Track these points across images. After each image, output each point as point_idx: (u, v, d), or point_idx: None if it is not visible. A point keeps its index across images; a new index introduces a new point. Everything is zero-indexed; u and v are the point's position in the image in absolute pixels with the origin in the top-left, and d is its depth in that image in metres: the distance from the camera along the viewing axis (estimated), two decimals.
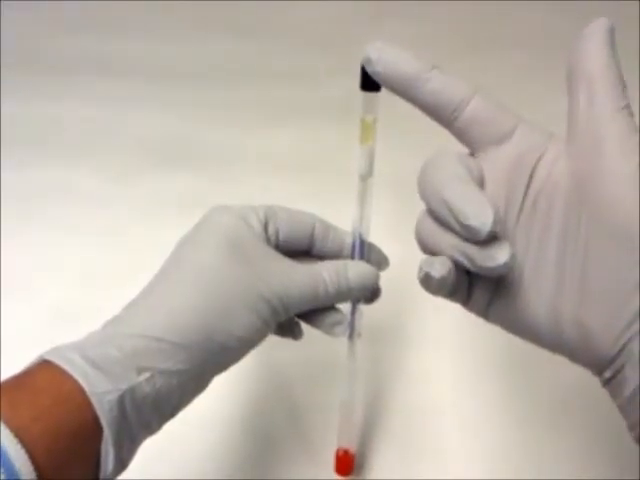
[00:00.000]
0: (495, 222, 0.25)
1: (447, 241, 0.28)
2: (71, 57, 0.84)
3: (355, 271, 0.35)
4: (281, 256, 0.34)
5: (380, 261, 0.37)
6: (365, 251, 0.36)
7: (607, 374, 0.27)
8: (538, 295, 0.28)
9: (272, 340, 0.34)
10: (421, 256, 0.30)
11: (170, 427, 0.31)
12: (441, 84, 0.29)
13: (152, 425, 0.29)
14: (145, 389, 0.28)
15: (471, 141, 0.30)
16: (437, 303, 0.50)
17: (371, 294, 0.36)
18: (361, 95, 0.32)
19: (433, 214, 0.29)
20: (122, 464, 0.28)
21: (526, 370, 0.47)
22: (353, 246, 0.36)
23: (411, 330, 0.50)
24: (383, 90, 0.31)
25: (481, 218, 0.26)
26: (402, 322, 0.51)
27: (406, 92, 0.30)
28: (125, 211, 0.61)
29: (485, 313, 0.30)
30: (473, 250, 0.27)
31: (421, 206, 0.30)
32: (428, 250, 0.30)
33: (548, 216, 0.28)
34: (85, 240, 0.58)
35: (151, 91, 0.77)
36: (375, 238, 0.37)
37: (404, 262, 0.38)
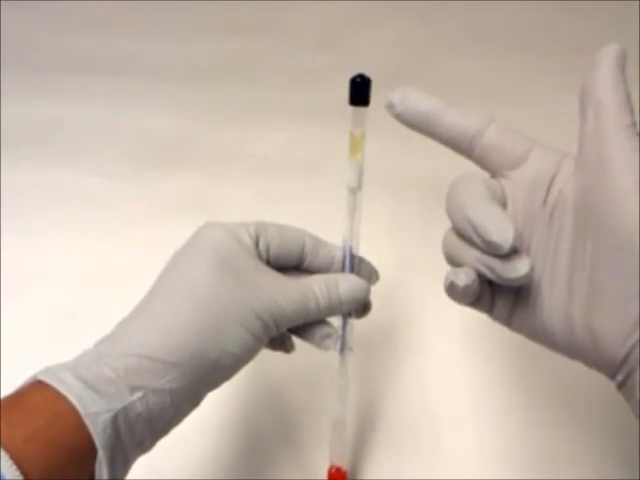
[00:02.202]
0: (515, 238, 0.28)
1: (471, 254, 0.30)
2: (71, 57, 0.84)
3: (346, 285, 0.35)
4: (272, 271, 0.34)
5: (370, 275, 0.37)
6: (355, 265, 0.36)
7: (619, 377, 0.28)
8: (553, 303, 0.30)
9: (263, 352, 0.34)
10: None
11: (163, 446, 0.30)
12: (456, 118, 0.32)
13: (145, 443, 0.30)
14: (138, 408, 0.28)
15: (490, 167, 0.32)
16: (428, 313, 0.51)
17: (362, 308, 0.36)
18: (350, 110, 0.32)
19: (457, 230, 0.31)
20: None
21: (524, 374, 0.47)
22: (343, 260, 0.36)
23: (402, 341, 0.50)
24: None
25: (503, 235, 0.28)
26: (393, 333, 0.50)
27: (426, 128, 0.32)
28: (125, 211, 0.61)
29: (508, 322, 0.32)
30: (495, 262, 0.29)
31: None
32: (454, 263, 0.32)
33: (561, 229, 0.30)
34: (85, 240, 0.58)
35: (151, 91, 0.77)
36: (369, 249, 0.37)
37: (395, 273, 0.38)
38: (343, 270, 0.36)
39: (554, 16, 0.86)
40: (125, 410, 0.28)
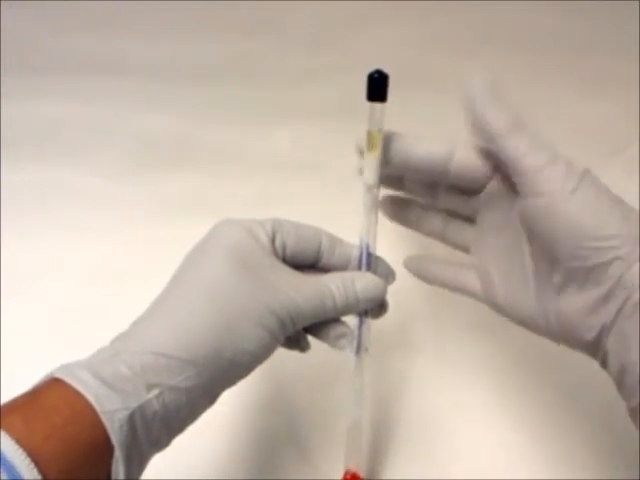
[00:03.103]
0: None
1: None
2: (71, 57, 0.83)
3: (362, 282, 0.35)
4: (289, 269, 0.34)
5: (387, 275, 0.37)
6: (372, 263, 0.35)
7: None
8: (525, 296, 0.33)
9: (278, 352, 0.34)
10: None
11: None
12: (427, 146, 0.34)
13: (161, 441, 0.30)
14: (155, 406, 0.28)
15: (465, 186, 0.35)
16: (443, 312, 0.50)
17: (378, 308, 0.36)
18: (367, 105, 0.32)
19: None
20: None
21: (533, 375, 0.47)
22: (360, 258, 0.35)
23: (417, 340, 0.50)
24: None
25: None
26: (408, 332, 0.50)
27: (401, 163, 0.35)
28: (125, 211, 0.61)
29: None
30: None
31: None
32: None
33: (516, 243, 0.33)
34: (85, 240, 0.58)
35: (151, 91, 0.77)
36: (380, 247, 0.36)
37: (405, 271, 0.38)
38: (359, 268, 0.35)
39: (554, 16, 0.86)
40: (141, 408, 0.28)
